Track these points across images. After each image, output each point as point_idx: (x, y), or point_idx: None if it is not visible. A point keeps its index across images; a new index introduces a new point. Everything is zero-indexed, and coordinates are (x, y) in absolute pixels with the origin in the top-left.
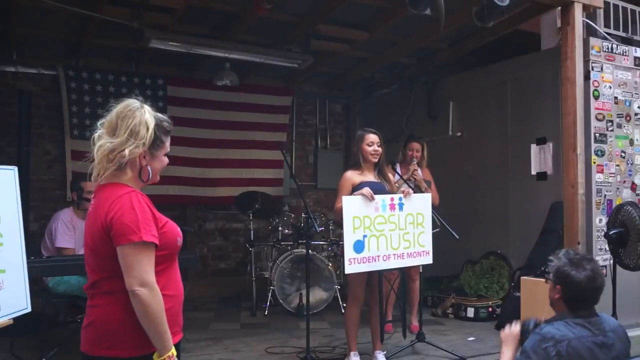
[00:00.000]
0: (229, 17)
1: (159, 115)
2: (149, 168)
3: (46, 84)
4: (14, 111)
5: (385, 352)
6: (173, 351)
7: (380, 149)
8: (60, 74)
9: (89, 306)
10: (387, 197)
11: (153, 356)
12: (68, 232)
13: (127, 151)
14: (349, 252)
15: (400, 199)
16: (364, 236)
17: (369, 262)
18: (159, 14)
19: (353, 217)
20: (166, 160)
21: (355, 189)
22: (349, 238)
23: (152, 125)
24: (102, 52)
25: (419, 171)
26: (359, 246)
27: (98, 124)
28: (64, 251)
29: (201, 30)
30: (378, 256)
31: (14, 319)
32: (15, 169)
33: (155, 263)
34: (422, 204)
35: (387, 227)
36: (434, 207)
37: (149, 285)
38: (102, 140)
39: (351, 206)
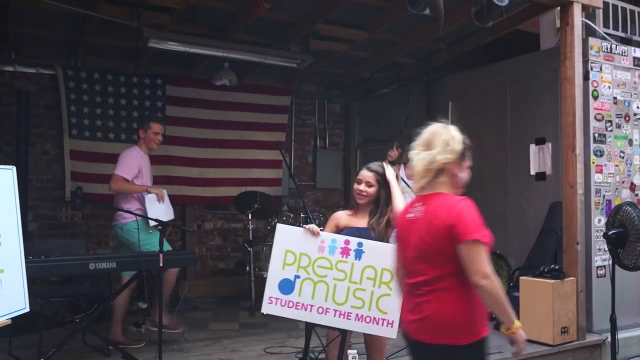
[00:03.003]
0: (227, 17)
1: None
2: (459, 175)
3: (45, 83)
4: (12, 111)
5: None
6: (518, 323)
7: (370, 190)
8: (58, 74)
9: (421, 302)
10: (341, 238)
11: (501, 328)
12: (132, 164)
13: (440, 157)
14: (271, 289)
15: (359, 244)
16: (296, 277)
17: (297, 308)
18: (158, 14)
19: (286, 250)
20: (468, 173)
21: (339, 232)
22: (276, 273)
23: (460, 139)
24: (100, 52)
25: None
26: (286, 286)
27: (412, 144)
28: (116, 178)
29: (200, 29)
30: (311, 305)
31: (12, 318)
32: (14, 168)
33: None
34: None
35: (332, 275)
36: None
37: (490, 277)
38: (421, 154)
39: (285, 237)
